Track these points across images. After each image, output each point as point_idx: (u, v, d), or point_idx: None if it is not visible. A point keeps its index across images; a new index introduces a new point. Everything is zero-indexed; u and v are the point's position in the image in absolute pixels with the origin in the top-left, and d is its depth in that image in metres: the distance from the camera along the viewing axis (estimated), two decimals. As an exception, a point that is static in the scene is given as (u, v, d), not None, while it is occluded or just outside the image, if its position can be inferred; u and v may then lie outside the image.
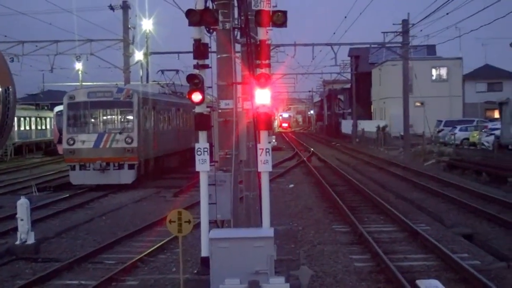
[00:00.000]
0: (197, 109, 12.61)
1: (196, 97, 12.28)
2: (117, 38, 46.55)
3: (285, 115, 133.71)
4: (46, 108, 71.07)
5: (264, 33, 12.51)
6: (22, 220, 16.61)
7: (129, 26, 45.98)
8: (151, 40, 53.19)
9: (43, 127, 65.15)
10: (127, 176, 30.60)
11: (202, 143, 12.59)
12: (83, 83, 67.25)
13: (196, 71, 12.69)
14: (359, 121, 75.68)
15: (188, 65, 44.69)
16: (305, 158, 48.07)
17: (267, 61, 12.61)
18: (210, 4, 13.70)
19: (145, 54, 50.97)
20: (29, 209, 16.82)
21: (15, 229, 17.74)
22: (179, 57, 47.48)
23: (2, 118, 4.65)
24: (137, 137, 30.86)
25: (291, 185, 31.43)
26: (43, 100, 78.71)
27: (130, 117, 31.47)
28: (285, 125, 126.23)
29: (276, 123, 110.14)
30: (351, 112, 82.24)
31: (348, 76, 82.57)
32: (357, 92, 76.83)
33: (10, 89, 4.64)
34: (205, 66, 12.91)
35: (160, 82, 41.60)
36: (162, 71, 41.38)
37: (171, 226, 11.49)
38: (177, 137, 39.38)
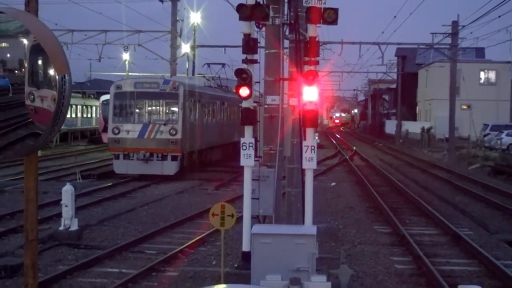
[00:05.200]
0: (244, 104, 12.61)
1: (244, 91, 12.27)
2: (165, 30, 46.86)
3: (337, 114, 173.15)
4: (92, 96, 71.85)
5: (314, 30, 12.47)
6: (66, 206, 16.83)
7: (177, 18, 46.22)
8: (198, 33, 53.44)
9: (89, 116, 65.91)
10: (170, 168, 30.78)
11: (247, 138, 12.58)
12: (130, 74, 67.85)
13: (245, 66, 12.69)
14: (404, 122, 74.95)
15: (234, 59, 44.83)
16: (347, 157, 47.82)
17: (315, 59, 12.56)
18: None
19: (192, 47, 51.22)
20: (74, 196, 17.04)
21: (59, 215, 18.00)
22: (226, 51, 47.67)
23: (57, 106, 4.72)
24: (181, 129, 31.01)
25: (333, 184, 31.30)
26: (89, 88, 79.61)
27: (175, 109, 31.65)
28: (337, 121, 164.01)
29: (323, 120, 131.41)
30: (395, 112, 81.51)
31: (394, 76, 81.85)
32: (403, 93, 76.09)
33: (66, 78, 4.70)
34: (254, 61, 12.90)
35: (205, 75, 41.75)
36: (208, 64, 41.50)
37: (214, 219, 11.50)
38: (220, 130, 39.49)
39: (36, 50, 5.51)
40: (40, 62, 5.64)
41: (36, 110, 5.57)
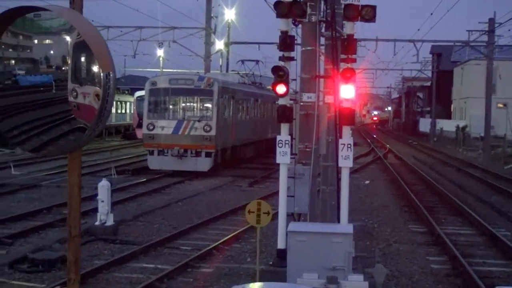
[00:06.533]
0: (281, 101, 12.58)
1: (281, 89, 12.24)
2: (199, 26, 47.01)
3: (375, 112, 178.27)
4: (126, 92, 72.33)
5: (352, 28, 12.42)
6: (102, 201, 16.97)
7: (212, 15, 46.33)
8: (232, 30, 53.53)
9: (123, 111, 66.31)
10: (203, 164, 30.88)
11: (284, 135, 12.56)
12: (164, 70, 68.20)
13: (281, 63, 12.66)
14: (438, 120, 74.34)
15: (268, 55, 44.90)
16: (381, 155, 47.56)
17: (353, 56, 12.49)
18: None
19: (226, 44, 51.31)
20: (110, 191, 17.17)
21: (94, 210, 18.15)
22: (260, 48, 47.71)
23: (101, 103, 4.75)
24: (216, 126, 31.09)
25: (367, 182, 31.14)
26: (124, 84, 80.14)
27: (210, 106, 31.74)
28: (375, 118, 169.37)
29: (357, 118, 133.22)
30: (430, 110, 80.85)
31: (429, 73, 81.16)
32: (437, 91, 75.45)
33: (111, 75, 4.73)
34: (290, 59, 12.87)
35: (239, 72, 41.81)
36: (242, 61, 41.61)
37: (250, 216, 11.51)
38: (254, 127, 39.50)
39: (79, 47, 5.56)
40: (83, 59, 5.70)
41: (79, 106, 5.63)
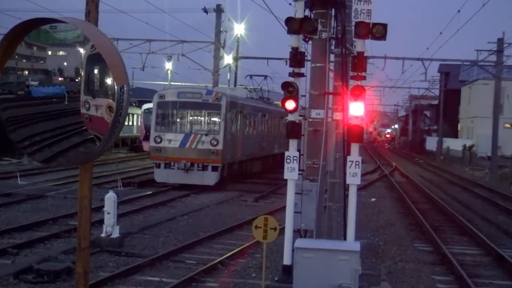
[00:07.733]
0: (290, 117, 12.60)
1: (290, 105, 12.26)
2: (208, 40, 47.15)
3: (389, 130, 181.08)
4: (134, 105, 72.36)
5: (362, 45, 12.44)
6: (108, 213, 16.97)
7: (221, 29, 46.47)
8: (241, 44, 53.66)
9: (130, 124, 66.29)
10: (210, 178, 30.88)
11: (292, 151, 12.56)
12: (172, 83, 68.33)
13: (291, 79, 12.69)
14: (445, 139, 74.25)
15: (276, 71, 44.90)
16: (387, 173, 47.47)
17: (363, 73, 12.51)
18: (308, 13, 13.73)
19: (235, 58, 51.42)
20: (116, 203, 17.17)
21: (100, 221, 18.14)
22: (268, 63, 47.79)
23: (115, 116, 4.77)
24: (223, 140, 31.11)
25: (373, 199, 31.06)
26: (131, 96, 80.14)
27: (217, 120, 31.78)
28: (388, 135, 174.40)
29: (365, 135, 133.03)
30: (437, 129, 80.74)
31: (436, 92, 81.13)
32: (445, 109, 75.36)
33: (125, 88, 4.76)
34: (301, 75, 12.90)
35: (247, 87, 41.88)
36: (251, 76, 41.69)
37: (257, 232, 11.50)
38: (261, 142, 39.51)
39: (93, 59, 5.58)
40: (96, 71, 5.71)
41: (91, 118, 5.64)
